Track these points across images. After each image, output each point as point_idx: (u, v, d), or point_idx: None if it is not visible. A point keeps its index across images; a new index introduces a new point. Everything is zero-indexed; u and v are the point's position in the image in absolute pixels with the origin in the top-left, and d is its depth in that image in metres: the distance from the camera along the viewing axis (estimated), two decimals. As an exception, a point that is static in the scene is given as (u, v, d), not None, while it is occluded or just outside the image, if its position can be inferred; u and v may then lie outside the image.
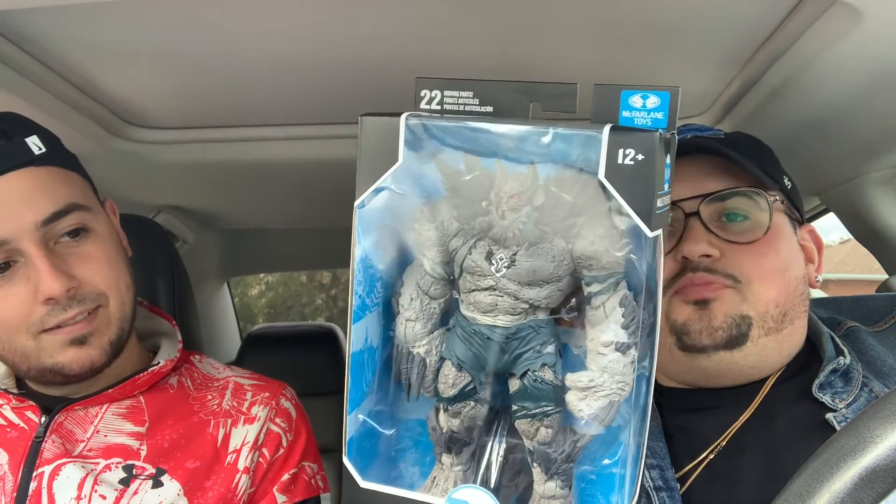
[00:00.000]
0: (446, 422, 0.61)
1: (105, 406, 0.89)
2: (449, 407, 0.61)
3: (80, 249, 0.82)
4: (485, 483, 0.61)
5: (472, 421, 0.61)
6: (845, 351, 0.79)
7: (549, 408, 0.58)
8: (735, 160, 0.76)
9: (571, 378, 0.58)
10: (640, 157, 0.52)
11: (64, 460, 0.84)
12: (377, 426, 0.64)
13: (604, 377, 0.57)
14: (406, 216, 0.61)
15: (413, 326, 0.62)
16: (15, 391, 0.89)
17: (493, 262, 0.57)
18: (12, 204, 0.78)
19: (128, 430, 0.88)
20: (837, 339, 0.82)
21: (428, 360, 0.62)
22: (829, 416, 0.74)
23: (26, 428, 0.86)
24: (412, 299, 0.62)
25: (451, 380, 0.60)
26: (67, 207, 0.81)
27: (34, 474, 0.83)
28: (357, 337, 0.62)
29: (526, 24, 0.80)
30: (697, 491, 0.75)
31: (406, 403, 0.64)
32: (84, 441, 0.87)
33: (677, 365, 0.80)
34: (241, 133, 1.21)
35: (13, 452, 0.84)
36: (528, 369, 0.58)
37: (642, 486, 0.74)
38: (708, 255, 0.75)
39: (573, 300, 0.60)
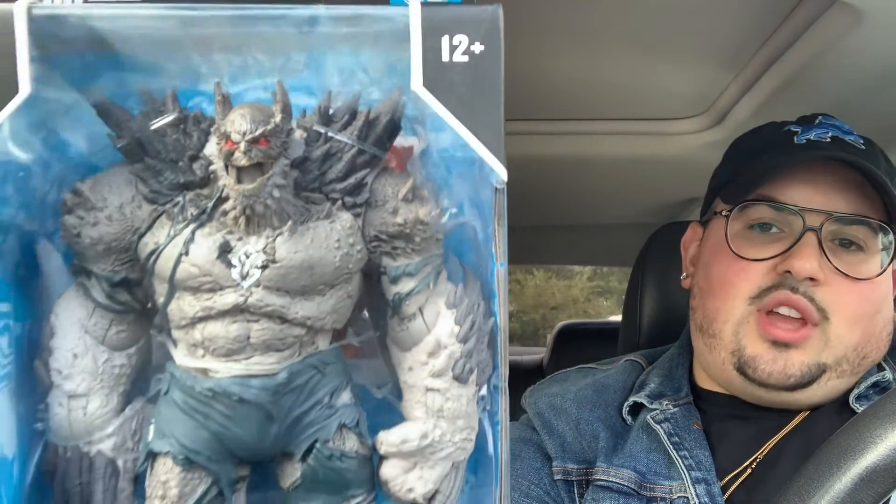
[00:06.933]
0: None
1: None
2: (177, 538, 0.33)
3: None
4: None
5: (223, 552, 0.34)
6: (887, 366, 0.76)
7: (358, 497, 0.35)
8: (879, 187, 0.71)
9: (387, 439, 0.35)
10: (478, 47, 0.31)
11: None
12: None
13: (439, 426, 0.35)
14: (46, 202, 0.33)
15: (84, 406, 0.34)
16: None
17: (236, 261, 0.32)
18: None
19: None
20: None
21: (121, 463, 0.34)
22: None
23: None
24: (76, 356, 0.34)
25: (174, 488, 0.33)
26: None
27: None
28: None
29: (523, 25, 0.77)
30: (735, 502, 0.72)
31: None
32: None
33: (726, 377, 0.75)
34: None
35: None
36: (317, 440, 0.34)
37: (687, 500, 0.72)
38: (813, 279, 0.71)
39: (364, 311, 0.38)
